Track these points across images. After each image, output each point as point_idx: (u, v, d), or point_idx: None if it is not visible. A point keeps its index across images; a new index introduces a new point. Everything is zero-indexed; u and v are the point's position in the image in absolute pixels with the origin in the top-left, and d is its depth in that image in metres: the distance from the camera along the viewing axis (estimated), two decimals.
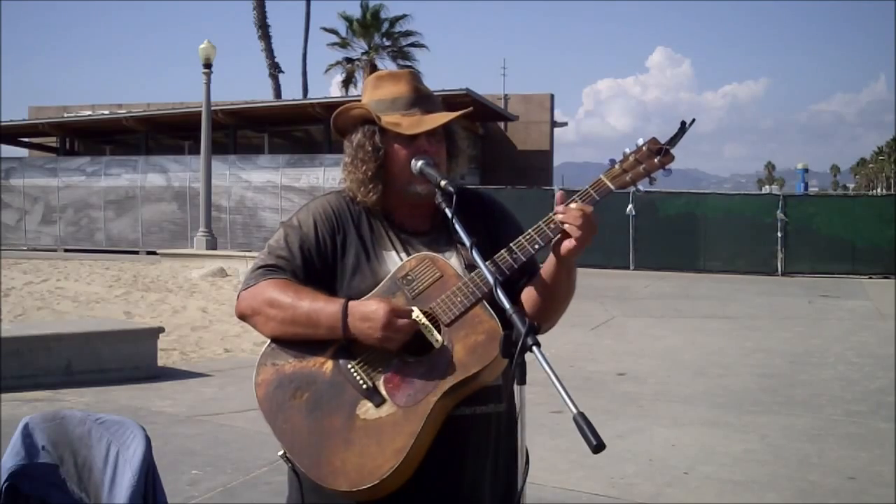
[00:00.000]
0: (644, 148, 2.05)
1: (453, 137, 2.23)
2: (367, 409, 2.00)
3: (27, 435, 2.41)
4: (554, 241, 2.03)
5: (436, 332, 2.02)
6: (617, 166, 2.05)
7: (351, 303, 2.03)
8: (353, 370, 2.04)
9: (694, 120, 2.04)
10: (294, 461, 2.04)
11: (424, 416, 1.96)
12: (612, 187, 2.03)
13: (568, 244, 2.01)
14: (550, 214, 2.06)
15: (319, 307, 2.04)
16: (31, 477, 2.38)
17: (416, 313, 2.04)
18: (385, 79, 2.24)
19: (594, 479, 5.24)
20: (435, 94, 2.25)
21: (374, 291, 2.09)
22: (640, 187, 2.05)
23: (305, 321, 2.05)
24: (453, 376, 1.98)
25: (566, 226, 2.00)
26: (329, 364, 2.06)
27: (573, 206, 2.01)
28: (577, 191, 2.07)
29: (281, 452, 2.07)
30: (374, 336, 1.99)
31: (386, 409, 1.99)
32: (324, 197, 2.27)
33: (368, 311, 2.00)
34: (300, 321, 2.06)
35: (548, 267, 2.10)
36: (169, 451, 5.31)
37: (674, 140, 2.04)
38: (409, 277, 2.07)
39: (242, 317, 2.18)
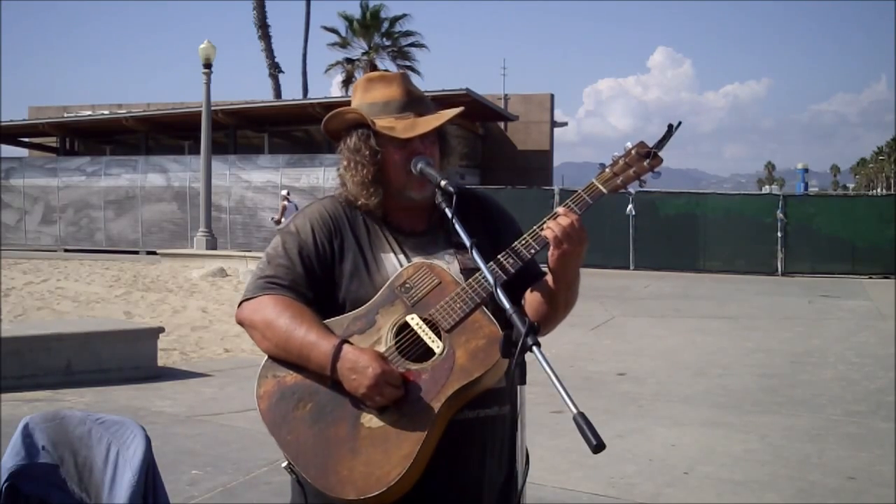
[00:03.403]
0: (633, 152, 2.09)
1: (445, 137, 2.24)
2: (371, 417, 2.00)
3: (27, 435, 2.41)
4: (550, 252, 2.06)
5: (437, 339, 2.02)
6: (608, 170, 2.09)
7: (346, 347, 2.01)
8: None
9: (680, 123, 2.10)
10: (300, 472, 2.03)
11: (429, 422, 1.96)
12: (604, 191, 2.08)
13: (554, 256, 2.04)
14: (552, 214, 2.07)
15: (312, 342, 2.03)
16: (31, 477, 2.38)
17: (416, 320, 2.04)
18: (376, 81, 2.23)
19: (594, 479, 5.24)
20: (426, 94, 2.25)
21: (372, 301, 2.09)
22: (632, 190, 2.10)
23: (297, 353, 2.05)
24: (456, 381, 1.98)
25: (552, 238, 2.02)
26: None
27: (559, 216, 2.03)
28: (577, 191, 2.10)
29: (285, 463, 2.07)
30: (357, 391, 1.98)
31: (390, 417, 1.98)
32: (319, 202, 2.27)
33: (359, 364, 1.97)
34: (292, 352, 2.06)
35: (549, 276, 2.12)
36: (169, 451, 5.30)
37: (661, 143, 2.09)
38: (407, 285, 2.08)
39: (241, 325, 2.19)
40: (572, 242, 2.02)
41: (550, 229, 2.02)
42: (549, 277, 2.12)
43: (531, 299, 2.14)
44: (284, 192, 23.39)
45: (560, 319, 2.18)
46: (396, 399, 1.98)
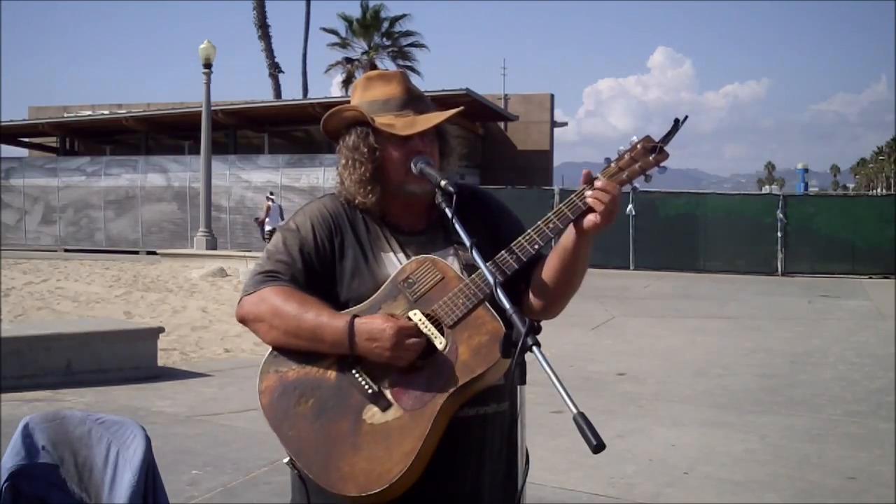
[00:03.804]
0: (639, 146, 2.03)
1: (445, 137, 2.23)
2: (373, 413, 2.00)
3: (27, 435, 2.41)
4: (578, 217, 2.02)
5: (439, 335, 2.02)
6: (613, 165, 2.03)
7: (357, 320, 2.02)
8: (357, 375, 2.04)
9: (687, 117, 2.04)
10: (301, 468, 2.03)
11: (431, 418, 1.96)
12: None
13: (593, 220, 2.01)
14: (549, 214, 2.05)
15: (324, 322, 2.03)
16: (31, 477, 2.38)
17: (419, 316, 2.04)
18: (376, 80, 2.23)
19: (594, 479, 5.24)
20: (426, 94, 2.24)
21: (375, 296, 2.08)
22: (637, 185, 2.04)
23: (309, 335, 2.04)
24: (459, 378, 1.98)
25: (594, 202, 1.99)
26: (333, 369, 2.06)
27: (599, 183, 2.00)
28: (576, 191, 2.06)
29: (287, 459, 2.07)
30: (383, 356, 1.99)
31: (392, 413, 1.99)
32: (319, 200, 2.26)
33: (375, 330, 1.99)
34: (304, 335, 2.05)
35: (566, 244, 2.07)
36: (169, 451, 5.30)
37: (668, 137, 2.02)
38: (409, 280, 2.07)
39: (243, 322, 2.17)
40: (615, 208, 2.01)
41: (597, 200, 1.99)
42: (566, 246, 2.07)
43: (544, 276, 2.11)
44: (268, 193, 23.66)
45: (577, 288, 2.15)
46: (422, 349, 1.99)
